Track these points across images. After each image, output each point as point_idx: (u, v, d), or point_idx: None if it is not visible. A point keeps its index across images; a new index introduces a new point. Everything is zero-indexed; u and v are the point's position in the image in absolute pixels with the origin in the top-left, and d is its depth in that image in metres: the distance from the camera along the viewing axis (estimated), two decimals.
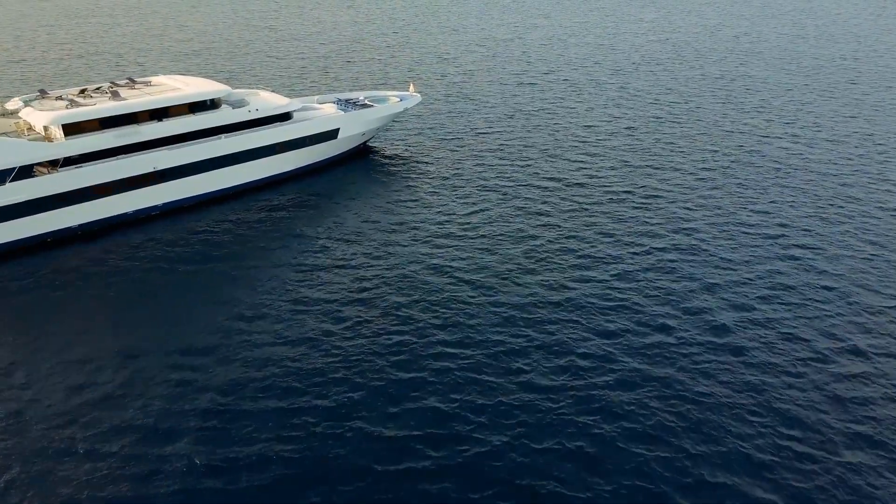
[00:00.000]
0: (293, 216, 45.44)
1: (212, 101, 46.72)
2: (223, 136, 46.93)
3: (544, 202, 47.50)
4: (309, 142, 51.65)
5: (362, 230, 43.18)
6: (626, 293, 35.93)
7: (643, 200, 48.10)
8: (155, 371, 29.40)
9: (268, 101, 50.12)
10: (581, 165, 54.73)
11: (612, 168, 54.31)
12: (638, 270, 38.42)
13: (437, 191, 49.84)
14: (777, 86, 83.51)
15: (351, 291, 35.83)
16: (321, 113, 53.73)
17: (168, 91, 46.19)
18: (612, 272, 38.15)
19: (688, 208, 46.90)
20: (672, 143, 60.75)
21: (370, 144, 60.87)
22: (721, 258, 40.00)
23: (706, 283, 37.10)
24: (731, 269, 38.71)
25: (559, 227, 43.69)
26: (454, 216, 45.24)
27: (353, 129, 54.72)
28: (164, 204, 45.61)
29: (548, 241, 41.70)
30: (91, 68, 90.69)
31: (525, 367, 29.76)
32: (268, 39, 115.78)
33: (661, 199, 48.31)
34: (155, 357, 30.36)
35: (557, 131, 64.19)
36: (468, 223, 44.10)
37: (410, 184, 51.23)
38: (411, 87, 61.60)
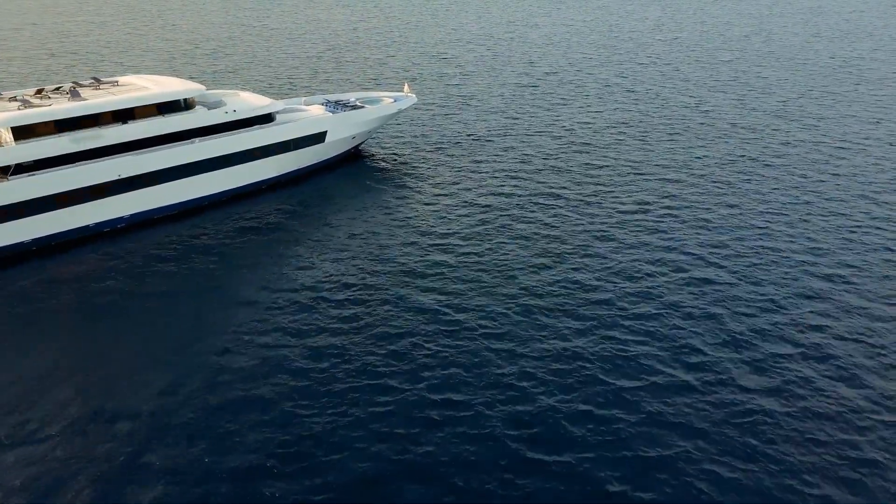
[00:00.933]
0: (275, 230, 41.08)
1: (184, 101, 42.36)
2: (197, 140, 42.58)
3: (550, 217, 43.13)
4: (293, 146, 47.31)
5: (350, 247, 38.82)
6: (649, 322, 31.61)
7: (659, 217, 43.74)
8: (101, 430, 25.00)
9: (247, 101, 45.77)
10: (589, 176, 50.37)
11: (624, 178, 49.93)
12: (661, 297, 34.09)
13: (433, 202, 45.52)
14: (796, 88, 79.22)
15: (336, 319, 31.46)
16: (307, 115, 49.40)
17: (135, 91, 41.83)
18: (633, 303, 33.82)
19: (706, 221, 42.57)
20: (687, 149, 56.44)
21: (362, 149, 56.56)
22: (757, 286, 35.70)
23: (734, 307, 32.78)
24: (762, 289, 34.40)
25: (568, 246, 39.33)
26: (452, 232, 40.88)
27: (342, 132, 50.40)
28: (130, 216, 41.22)
29: (555, 262, 37.35)
30: (70, 67, 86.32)
31: (529, 417, 25.39)
32: (258, 39, 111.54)
33: (680, 211, 43.96)
34: (97, 422, 25.96)
35: (562, 137, 59.88)
36: (467, 241, 39.74)
37: (404, 193, 46.90)
38: (406, 87, 57.30)
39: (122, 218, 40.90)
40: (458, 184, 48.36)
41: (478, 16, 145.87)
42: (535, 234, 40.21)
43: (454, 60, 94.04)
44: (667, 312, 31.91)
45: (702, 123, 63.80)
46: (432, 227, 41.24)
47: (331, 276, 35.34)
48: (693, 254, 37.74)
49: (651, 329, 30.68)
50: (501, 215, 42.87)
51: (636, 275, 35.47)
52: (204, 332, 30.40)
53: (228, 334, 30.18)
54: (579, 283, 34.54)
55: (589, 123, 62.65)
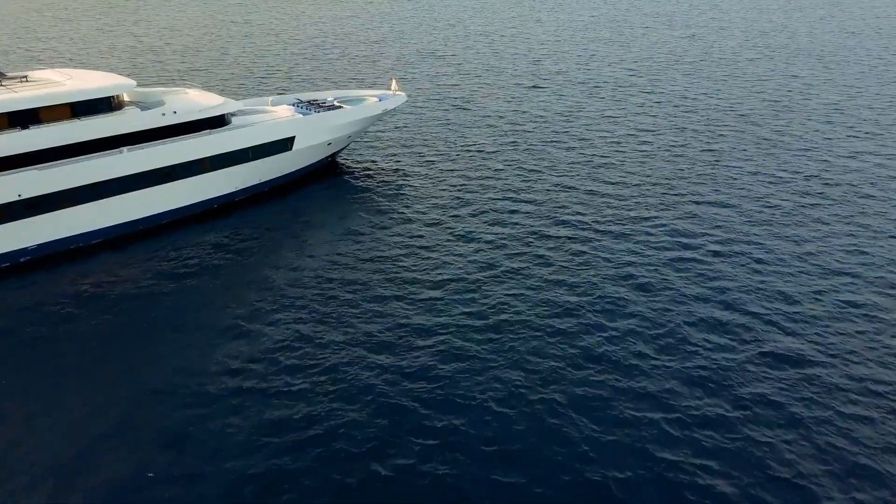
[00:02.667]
0: (226, 262, 32.54)
1: (109, 100, 33.76)
2: (125, 148, 33.97)
3: (565, 256, 34.59)
4: (252, 155, 38.72)
5: (319, 285, 30.27)
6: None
7: (706, 256, 35.26)
8: None
9: (193, 101, 37.18)
10: (612, 199, 41.78)
11: (655, 202, 41.39)
12: (728, 387, 25.58)
13: (422, 228, 37.00)
14: (838, 88, 70.79)
15: (300, 376, 22.99)
16: (271, 117, 40.78)
17: (45, 87, 33.22)
18: (679, 396, 25.32)
19: (765, 264, 34.04)
20: (728, 163, 47.90)
21: (340, 158, 47.97)
22: (812, 326, 27.20)
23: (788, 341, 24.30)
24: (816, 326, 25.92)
25: (588, 298, 30.79)
26: (445, 280, 32.33)
27: (313, 137, 41.85)
28: (35, 247, 32.61)
29: (577, 326, 28.80)
30: (26, 67, 77.67)
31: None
32: (238, 34, 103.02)
33: (734, 246, 35.42)
34: None
35: (575, 148, 51.34)
36: (462, 296, 31.25)
37: (389, 216, 38.41)
38: (394, 84, 48.78)
39: (24, 250, 32.27)
40: (451, 204, 39.81)
41: (477, 10, 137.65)
42: (546, 279, 31.57)
43: (450, 58, 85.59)
44: (738, 416, 23.24)
45: (739, 131, 55.31)
46: (420, 273, 32.63)
47: (293, 321, 26.71)
48: (761, 316, 29.00)
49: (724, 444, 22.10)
50: (503, 254, 34.23)
51: (681, 346, 26.82)
52: (130, 388, 21.76)
53: (170, 385, 21.55)
54: (605, 358, 25.80)
55: (607, 132, 54.00)
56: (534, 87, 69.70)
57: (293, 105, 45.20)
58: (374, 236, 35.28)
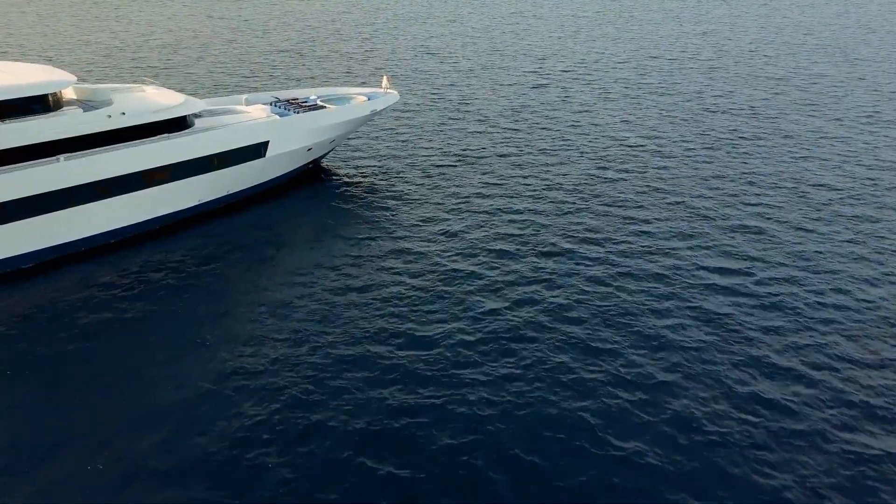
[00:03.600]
0: (180, 288, 27.49)
1: (40, 98, 28.70)
2: (62, 156, 28.91)
3: (575, 290, 29.64)
4: (218, 163, 33.68)
5: (291, 322, 25.25)
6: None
7: (750, 288, 30.37)
8: None
9: (148, 100, 32.13)
10: (629, 219, 36.89)
11: (682, 224, 36.48)
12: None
13: (414, 244, 31.99)
14: (869, 87, 65.90)
15: (272, 418, 17.98)
16: (241, 118, 35.72)
17: None
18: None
19: (822, 306, 29.08)
20: (753, 175, 42.95)
21: (324, 163, 42.96)
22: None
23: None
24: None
25: (608, 334, 25.86)
26: (435, 285, 27.40)
27: (290, 141, 36.85)
28: None
29: (590, 367, 23.86)
30: None
31: None
32: (223, 31, 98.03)
33: (791, 290, 30.50)
34: None
35: (586, 154, 46.42)
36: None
37: (377, 234, 33.40)
38: (385, 82, 43.84)
39: None
40: (446, 218, 34.76)
41: (477, 5, 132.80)
42: (555, 317, 26.57)
43: (448, 55, 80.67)
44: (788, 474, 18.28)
45: (768, 135, 50.33)
46: (412, 275, 27.60)
47: (262, 355, 21.64)
48: (829, 365, 24.08)
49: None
50: (508, 279, 29.23)
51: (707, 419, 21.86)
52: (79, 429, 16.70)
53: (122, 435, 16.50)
54: (625, 392, 20.90)
55: (622, 138, 48.96)
56: (537, 87, 64.72)
57: (270, 104, 40.25)
58: (358, 257, 30.27)
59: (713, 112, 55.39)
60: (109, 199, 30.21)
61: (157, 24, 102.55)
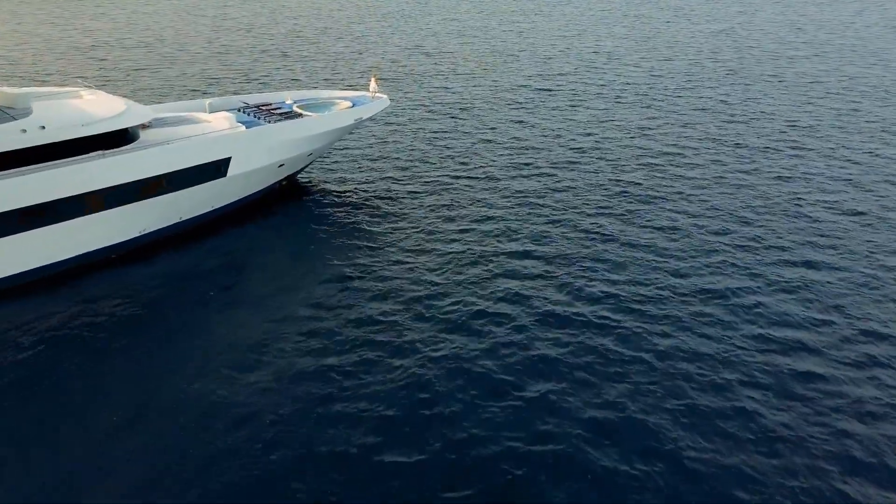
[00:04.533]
0: (116, 334, 22.04)
1: None
2: None
3: (587, 336, 24.25)
4: (167, 185, 28.20)
5: (254, 378, 19.80)
6: None
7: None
8: None
9: (78, 109, 26.65)
10: (655, 248, 31.53)
11: (701, 251, 31.19)
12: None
13: (404, 276, 26.58)
14: None
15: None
16: (198, 130, 30.16)
17: None
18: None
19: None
20: (800, 197, 37.60)
21: (301, 179, 37.53)
22: None
23: None
24: None
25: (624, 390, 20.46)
26: (437, 339, 22.02)
27: (257, 157, 31.41)
28: None
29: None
30: None
31: None
32: (203, 30, 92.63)
33: (813, 314, 25.13)
34: None
35: (601, 172, 41.06)
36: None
37: (361, 259, 27.99)
38: (373, 85, 38.44)
39: None
40: (439, 245, 29.31)
41: (476, 2, 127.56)
42: (564, 364, 21.14)
43: (445, 56, 75.32)
44: None
45: (809, 150, 44.99)
46: (398, 306, 22.13)
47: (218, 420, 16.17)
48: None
49: None
50: (512, 324, 23.79)
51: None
52: None
53: None
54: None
55: (639, 150, 43.52)
56: (543, 91, 59.36)
57: (238, 111, 34.85)
58: (340, 293, 24.82)
59: (743, 121, 50.04)
60: (21, 234, 24.69)
61: (137, 21, 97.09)
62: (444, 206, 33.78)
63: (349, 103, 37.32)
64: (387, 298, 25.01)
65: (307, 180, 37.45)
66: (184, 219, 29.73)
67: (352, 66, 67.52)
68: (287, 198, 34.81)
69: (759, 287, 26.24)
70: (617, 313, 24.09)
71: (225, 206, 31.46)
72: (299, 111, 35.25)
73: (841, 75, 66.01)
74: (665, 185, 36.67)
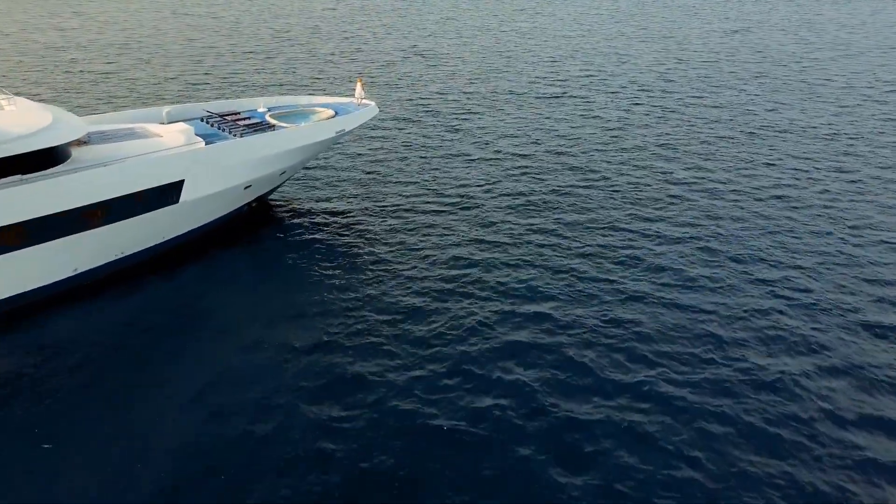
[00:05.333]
0: (60, 390, 17.50)
1: None
2: None
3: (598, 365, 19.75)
4: (106, 215, 23.58)
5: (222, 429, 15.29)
6: None
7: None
8: None
9: None
10: (665, 281, 27.12)
11: (734, 289, 26.73)
12: None
13: (389, 308, 22.04)
14: None
15: None
16: (146, 146, 25.51)
17: None
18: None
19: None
20: (854, 230, 33.17)
21: (272, 200, 32.97)
22: None
23: None
24: None
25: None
26: (411, 366, 17.54)
27: (218, 178, 26.85)
28: None
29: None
30: None
31: None
32: (185, 29, 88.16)
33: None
34: None
35: (615, 194, 36.66)
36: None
37: (339, 296, 23.52)
38: (359, 89, 34.02)
39: None
40: (436, 294, 24.76)
41: (476, 0, 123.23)
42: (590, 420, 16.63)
43: (441, 58, 70.85)
44: None
45: (859, 165, 40.57)
46: (379, 349, 17.59)
47: None
48: None
49: None
50: (511, 384, 19.26)
51: None
52: None
53: None
54: None
55: (664, 172, 39.01)
56: (549, 97, 54.92)
57: (200, 120, 30.30)
58: (312, 337, 20.26)
59: (775, 131, 45.60)
60: None
61: (116, 21, 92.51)
62: (439, 231, 29.21)
63: (331, 112, 32.88)
64: (370, 339, 20.44)
65: (280, 200, 32.87)
66: (127, 254, 25.12)
67: (341, 69, 63.05)
68: (256, 221, 30.22)
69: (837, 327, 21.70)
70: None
71: (179, 236, 26.83)
72: (273, 121, 30.74)
73: (874, 79, 61.60)
74: (698, 224, 32.09)
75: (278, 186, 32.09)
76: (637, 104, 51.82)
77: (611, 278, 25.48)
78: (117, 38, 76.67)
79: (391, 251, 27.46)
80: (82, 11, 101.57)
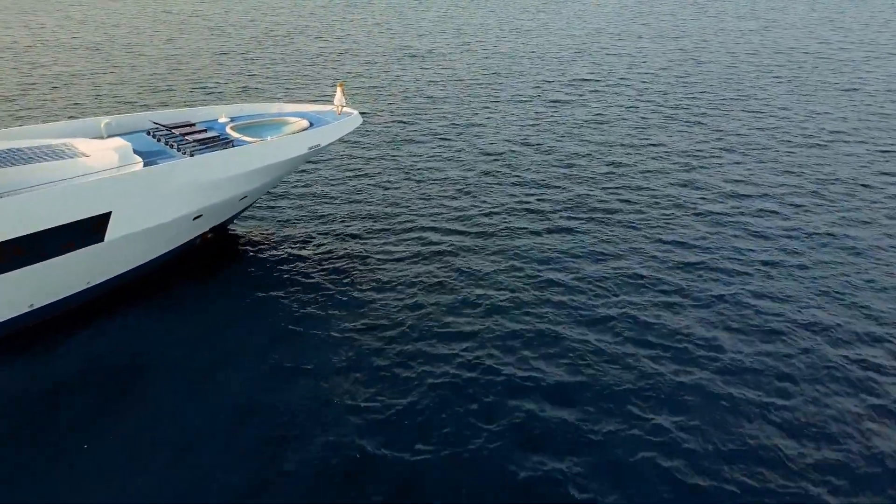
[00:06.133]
0: None
1: None
2: None
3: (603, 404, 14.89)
4: (8, 258, 18.76)
5: None
6: None
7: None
8: None
9: None
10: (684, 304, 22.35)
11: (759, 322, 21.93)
12: None
13: (365, 362, 17.26)
14: None
15: None
16: (66, 169, 20.61)
17: None
18: None
19: None
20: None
21: (233, 226, 28.20)
22: None
23: None
24: None
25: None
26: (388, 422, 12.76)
27: (156, 209, 22.02)
28: None
29: None
30: None
31: None
32: (159, 30, 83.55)
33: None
34: None
35: (633, 230, 32.00)
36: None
37: (305, 342, 18.81)
38: (339, 95, 29.27)
39: None
40: (422, 333, 19.93)
41: None
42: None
43: (437, 60, 66.17)
44: None
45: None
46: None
47: None
48: None
49: None
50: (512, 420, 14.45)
51: None
52: None
53: None
54: None
55: (691, 200, 34.35)
56: (555, 104, 50.21)
57: (147, 134, 25.52)
58: (276, 400, 15.51)
59: (817, 144, 40.87)
60: None
61: (92, 19, 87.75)
62: (429, 267, 24.39)
63: (306, 122, 28.19)
64: (343, 401, 15.63)
65: (240, 228, 28.06)
66: (38, 306, 20.26)
67: (328, 70, 58.32)
68: (211, 254, 25.39)
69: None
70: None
71: (107, 280, 21.99)
72: (234, 135, 25.97)
73: None
74: (726, 244, 27.36)
75: (239, 213, 27.29)
76: (656, 111, 47.10)
77: (645, 319, 20.69)
78: (93, 38, 71.86)
79: (371, 291, 22.65)
80: (62, 9, 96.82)
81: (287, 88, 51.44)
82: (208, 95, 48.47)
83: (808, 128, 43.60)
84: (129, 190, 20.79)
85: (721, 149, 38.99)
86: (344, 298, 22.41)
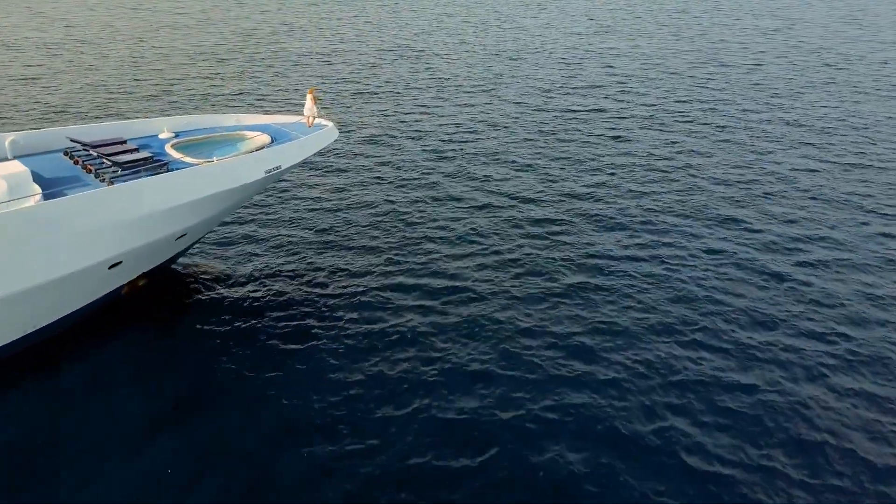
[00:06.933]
0: None
1: None
2: None
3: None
4: None
5: None
6: None
7: None
8: None
9: None
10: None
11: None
12: None
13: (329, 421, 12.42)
14: None
15: None
16: None
17: None
18: None
19: None
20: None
21: (179, 265, 23.35)
22: None
23: None
24: None
25: None
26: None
27: (60, 257, 17.13)
28: None
29: None
30: None
31: None
32: (132, 30, 78.99)
33: None
34: None
35: (650, 256, 27.20)
36: None
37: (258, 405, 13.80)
38: (310, 104, 24.40)
39: None
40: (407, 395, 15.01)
41: None
42: None
43: (433, 61, 61.53)
44: None
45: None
46: None
47: None
48: None
49: None
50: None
51: None
52: None
53: None
54: None
55: (722, 221, 29.48)
56: (564, 113, 45.45)
57: (64, 155, 20.77)
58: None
59: (860, 164, 36.16)
60: None
61: (62, 18, 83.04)
62: (413, 321, 19.50)
63: (267, 137, 23.38)
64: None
65: (185, 266, 23.20)
66: None
67: (305, 72, 53.57)
68: (141, 305, 20.54)
69: None
70: None
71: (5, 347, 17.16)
72: (174, 154, 21.18)
73: None
74: (761, 272, 22.54)
75: (178, 256, 22.38)
76: (681, 120, 42.35)
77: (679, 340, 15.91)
78: (61, 39, 67.11)
79: (340, 339, 17.80)
80: (35, 6, 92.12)
81: (263, 95, 46.66)
82: (168, 104, 43.64)
83: (858, 141, 38.92)
84: (15, 233, 15.94)
85: (763, 175, 34.27)
86: (299, 352, 17.53)
